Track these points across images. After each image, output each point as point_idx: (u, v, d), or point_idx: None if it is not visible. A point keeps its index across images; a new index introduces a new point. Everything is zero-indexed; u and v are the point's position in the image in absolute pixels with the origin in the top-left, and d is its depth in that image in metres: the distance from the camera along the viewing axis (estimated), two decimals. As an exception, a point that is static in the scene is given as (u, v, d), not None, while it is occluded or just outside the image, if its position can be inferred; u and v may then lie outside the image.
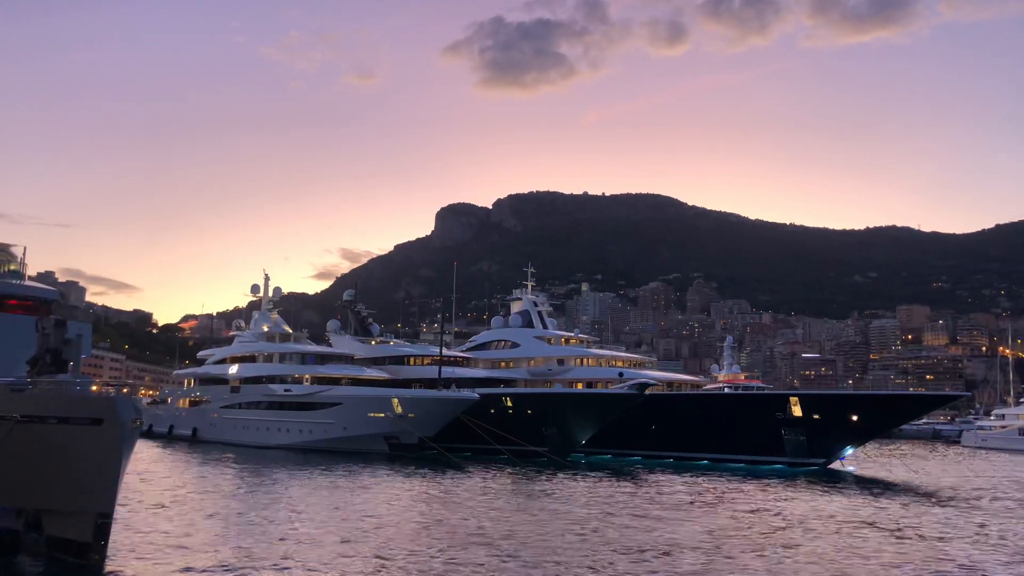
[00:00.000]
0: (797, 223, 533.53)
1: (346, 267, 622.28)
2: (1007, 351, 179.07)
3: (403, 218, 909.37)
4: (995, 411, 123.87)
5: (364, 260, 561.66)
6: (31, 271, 39.12)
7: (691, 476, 51.66)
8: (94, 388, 22.24)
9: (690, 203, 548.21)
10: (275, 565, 20.99)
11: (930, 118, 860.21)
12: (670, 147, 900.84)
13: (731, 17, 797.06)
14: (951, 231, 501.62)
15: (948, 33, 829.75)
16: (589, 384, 74.01)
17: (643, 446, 67.69)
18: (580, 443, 66.66)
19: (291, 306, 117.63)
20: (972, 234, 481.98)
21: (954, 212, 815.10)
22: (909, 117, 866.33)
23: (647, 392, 64.20)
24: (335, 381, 71.84)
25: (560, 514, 32.17)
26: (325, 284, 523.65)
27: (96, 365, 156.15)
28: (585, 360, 78.07)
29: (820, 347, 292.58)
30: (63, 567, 19.76)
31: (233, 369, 79.20)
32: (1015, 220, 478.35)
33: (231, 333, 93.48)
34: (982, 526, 31.25)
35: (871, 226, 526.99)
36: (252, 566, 20.79)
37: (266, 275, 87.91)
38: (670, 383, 79.51)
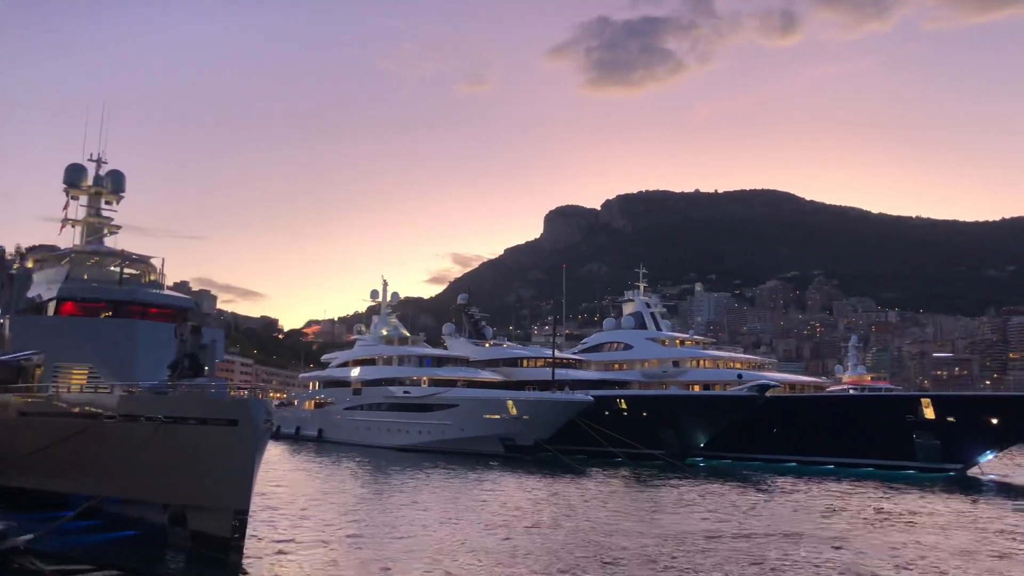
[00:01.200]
0: (924, 215, 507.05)
1: (458, 271, 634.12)
2: None
3: (512, 222, 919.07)
4: None
5: (475, 264, 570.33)
6: (168, 281, 41.64)
7: (819, 481, 49.68)
8: (229, 391, 23.43)
9: (808, 198, 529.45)
10: (399, 562, 21.53)
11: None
12: (785, 141, 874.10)
13: (846, 3, 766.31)
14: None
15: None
16: (706, 386, 72.46)
17: (764, 450, 65.56)
18: (698, 446, 65.36)
19: (407, 310, 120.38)
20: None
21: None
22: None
23: (767, 394, 62.27)
24: (451, 383, 73.09)
25: (682, 519, 31.60)
26: (438, 288, 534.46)
27: (227, 369, 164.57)
28: (701, 362, 76.50)
29: (952, 346, 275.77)
30: (204, 561, 20.86)
31: (355, 372, 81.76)
32: None
33: (352, 337, 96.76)
34: None
35: (1007, 216, 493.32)
36: (378, 562, 21.40)
37: (384, 281, 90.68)
38: (791, 385, 76.84)
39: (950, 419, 58.29)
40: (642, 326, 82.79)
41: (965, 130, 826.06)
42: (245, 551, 21.07)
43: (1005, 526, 31.62)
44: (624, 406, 68.49)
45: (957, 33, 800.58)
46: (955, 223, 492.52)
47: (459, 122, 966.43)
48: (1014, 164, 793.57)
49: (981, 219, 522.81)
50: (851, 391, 77.06)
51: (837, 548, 25.19)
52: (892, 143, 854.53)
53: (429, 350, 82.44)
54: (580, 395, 65.83)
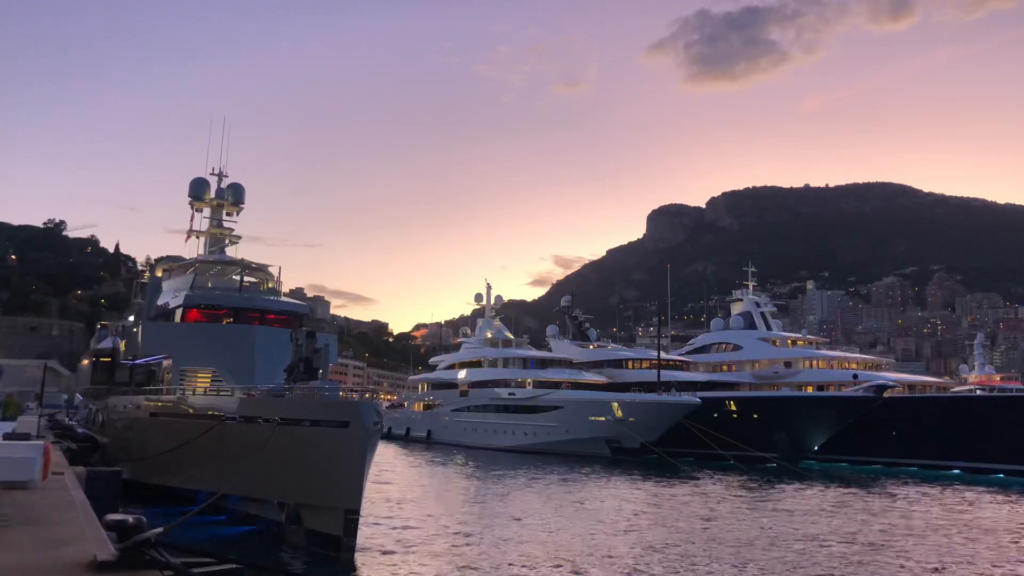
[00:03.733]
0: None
1: (560, 274, 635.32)
2: None
3: (614, 223, 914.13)
4: None
5: (577, 266, 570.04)
6: (284, 288, 43.40)
7: (938, 487, 47.12)
8: (341, 394, 24.21)
9: (926, 190, 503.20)
10: (510, 563, 21.68)
11: None
12: (899, 130, 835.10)
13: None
14: None
15: None
16: (820, 387, 69.88)
17: (883, 453, 62.60)
18: (812, 449, 63.15)
19: (511, 313, 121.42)
20: None
21: None
22: None
23: (885, 395, 59.50)
24: (555, 385, 73.23)
25: (797, 527, 30.59)
26: (541, 291, 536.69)
27: (341, 372, 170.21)
28: (814, 362, 73.85)
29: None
30: (318, 559, 21.57)
31: (461, 374, 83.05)
32: None
33: (458, 340, 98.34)
34: None
35: None
36: (489, 562, 21.63)
37: (488, 284, 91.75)
38: (911, 385, 73.14)
39: (1093, 422, 54.23)
40: (751, 326, 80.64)
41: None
42: (357, 550, 21.67)
43: None
44: (734, 408, 66.86)
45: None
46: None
47: (558, 124, 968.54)
48: None
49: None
50: (978, 391, 72.78)
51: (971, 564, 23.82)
52: (1018, 128, 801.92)
53: (533, 352, 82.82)
54: (687, 397, 64.72)
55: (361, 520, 22.27)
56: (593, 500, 37.01)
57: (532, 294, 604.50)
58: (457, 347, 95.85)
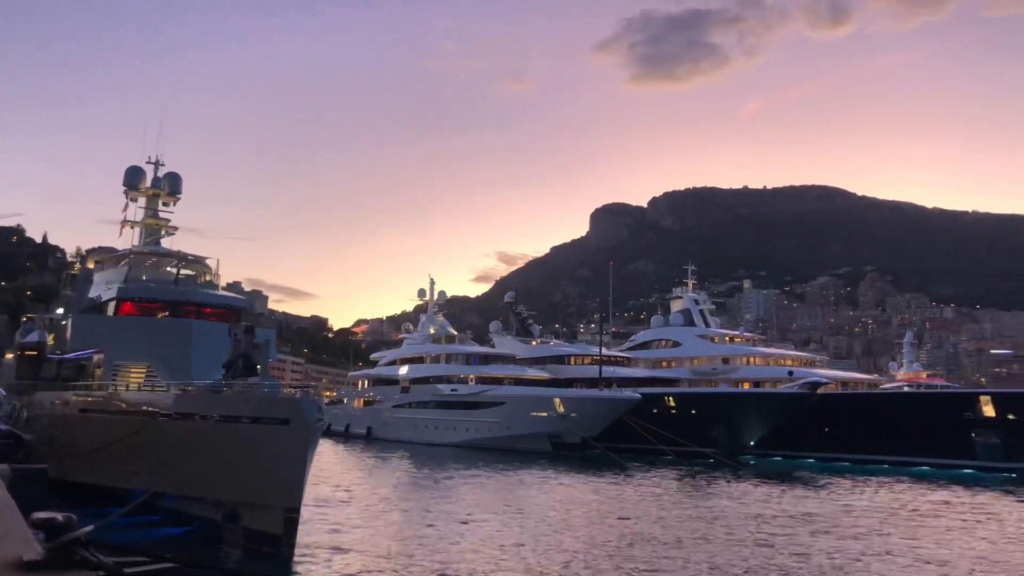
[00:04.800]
0: (981, 210, 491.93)
1: (503, 270, 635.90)
2: None
3: (558, 220, 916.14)
4: None
5: (521, 263, 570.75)
6: (221, 282, 42.41)
7: (876, 480, 48.64)
8: (282, 390, 23.81)
9: (860, 193, 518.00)
10: (448, 560, 21.63)
11: None
12: (836, 135, 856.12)
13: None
14: None
15: None
16: (756, 384, 71.50)
17: (815, 448, 64.39)
18: (749, 444, 64.55)
19: (454, 309, 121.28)
20: None
21: None
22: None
23: (819, 392, 61.16)
24: (498, 381, 73.34)
25: (734, 519, 31.20)
26: (484, 287, 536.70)
27: (279, 368, 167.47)
28: (752, 359, 75.51)
29: (1012, 343, 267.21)
30: (257, 558, 21.18)
31: (403, 370, 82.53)
32: None
33: (400, 336, 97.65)
34: None
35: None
36: (428, 560, 21.53)
37: (431, 280, 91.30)
38: (844, 382, 75.37)
39: (1011, 417, 56.64)
40: (691, 323, 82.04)
41: (1022, 121, 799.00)
42: (296, 548, 21.35)
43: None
44: (673, 404, 67.95)
45: (1018, 19, 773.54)
46: (1014, 216, 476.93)
47: (503, 120, 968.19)
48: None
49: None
50: (906, 388, 75.36)
51: (887, 552, 24.62)
52: (947, 136, 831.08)
53: (476, 348, 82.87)
54: (628, 393, 65.49)
55: (301, 518, 21.95)
56: (534, 496, 37.17)
57: (476, 290, 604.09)
58: (399, 343, 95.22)
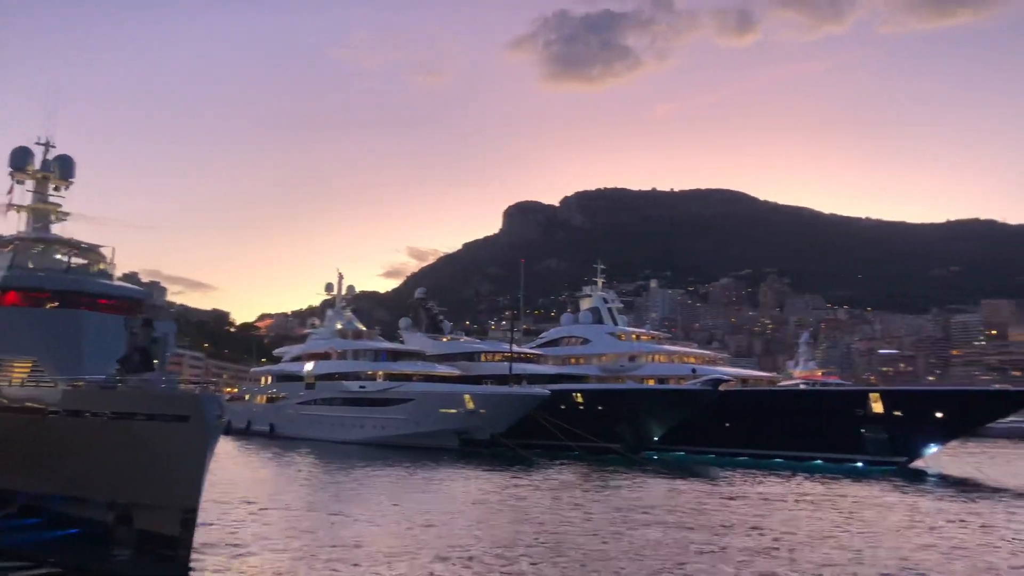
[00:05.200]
0: (873, 217, 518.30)
1: (414, 266, 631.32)
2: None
3: (470, 216, 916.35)
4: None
5: (432, 259, 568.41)
6: (117, 272, 40.37)
7: (768, 474, 50.44)
8: (180, 386, 22.84)
9: (762, 198, 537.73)
10: (350, 560, 21.26)
11: (1015, 106, 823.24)
12: (741, 140, 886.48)
13: (803, 4, 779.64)
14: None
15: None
16: (661, 381, 73.08)
17: (716, 443, 66.34)
18: (653, 440, 65.94)
19: (363, 304, 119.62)
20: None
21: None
22: (992, 105, 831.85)
23: (721, 388, 62.99)
24: (407, 378, 72.72)
25: (632, 512, 31.77)
26: (395, 283, 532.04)
27: (178, 363, 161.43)
28: (657, 357, 77.15)
29: (898, 343, 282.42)
30: (151, 560, 20.32)
31: (308, 366, 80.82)
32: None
33: (306, 331, 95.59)
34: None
35: (952, 219, 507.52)
36: (329, 561, 21.09)
37: (339, 274, 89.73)
38: (744, 380, 77.89)
39: (897, 413, 59.64)
40: (599, 321, 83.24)
41: (915, 134, 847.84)
42: (193, 550, 20.57)
43: (944, 517, 32.42)
44: (581, 400, 68.79)
45: (910, 38, 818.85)
46: (903, 224, 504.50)
47: (416, 114, 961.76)
48: (959, 168, 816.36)
49: (927, 221, 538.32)
50: (802, 386, 78.36)
51: (774, 541, 25.53)
52: (844, 145, 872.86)
53: (385, 344, 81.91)
54: (537, 389, 65.95)
55: (199, 519, 21.15)
56: (441, 493, 36.99)
57: (386, 286, 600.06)
58: (304, 339, 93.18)
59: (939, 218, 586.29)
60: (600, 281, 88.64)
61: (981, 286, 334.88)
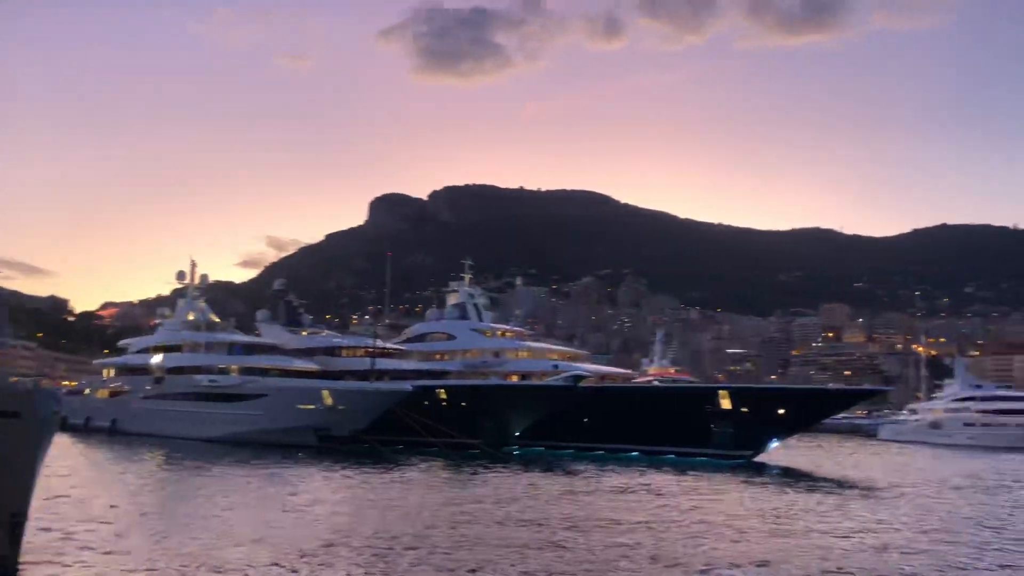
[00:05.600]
0: (725, 223, 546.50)
1: (273, 256, 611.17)
2: (920, 349, 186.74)
3: (335, 207, 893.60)
4: (908, 406, 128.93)
5: (293, 249, 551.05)
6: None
7: (620, 468, 51.98)
8: (11, 379, 20.85)
9: (624, 201, 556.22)
10: (192, 565, 20.12)
11: (856, 124, 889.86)
12: (607, 144, 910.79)
13: (667, 14, 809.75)
14: (871, 234, 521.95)
15: (877, 41, 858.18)
16: (524, 377, 73.97)
17: (575, 439, 67.78)
18: (514, 435, 66.63)
19: (217, 295, 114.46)
20: (891, 237, 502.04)
21: (875, 216, 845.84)
22: (836, 122, 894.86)
23: (581, 384, 64.42)
24: (263, 372, 70.27)
25: (486, 507, 31.85)
26: (252, 273, 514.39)
27: (7, 354, 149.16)
28: (521, 353, 77.99)
29: (745, 343, 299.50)
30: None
31: (157, 359, 76.67)
32: (931, 225, 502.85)
33: (155, 322, 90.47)
34: (892, 516, 32.17)
35: (796, 227, 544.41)
36: (170, 567, 19.88)
37: (192, 262, 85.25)
38: (602, 376, 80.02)
39: (744, 409, 62.93)
40: (465, 317, 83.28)
41: (765, 145, 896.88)
42: (21, 558, 18.83)
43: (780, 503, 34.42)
44: (444, 396, 68.64)
45: (765, 54, 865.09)
46: (752, 231, 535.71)
47: (279, 98, 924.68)
48: (805, 180, 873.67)
49: (774, 228, 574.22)
50: (656, 383, 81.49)
51: (624, 533, 26.29)
52: (701, 153, 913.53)
53: (240, 337, 78.76)
54: (399, 385, 65.23)
55: (28, 524, 19.37)
56: (292, 491, 35.82)
57: (242, 276, 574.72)
58: (153, 330, 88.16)
59: (784, 226, 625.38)
60: (467, 277, 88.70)
61: (821, 291, 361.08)
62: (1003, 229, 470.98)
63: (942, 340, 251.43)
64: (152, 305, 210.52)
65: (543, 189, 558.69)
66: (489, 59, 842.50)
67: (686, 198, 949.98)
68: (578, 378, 64.79)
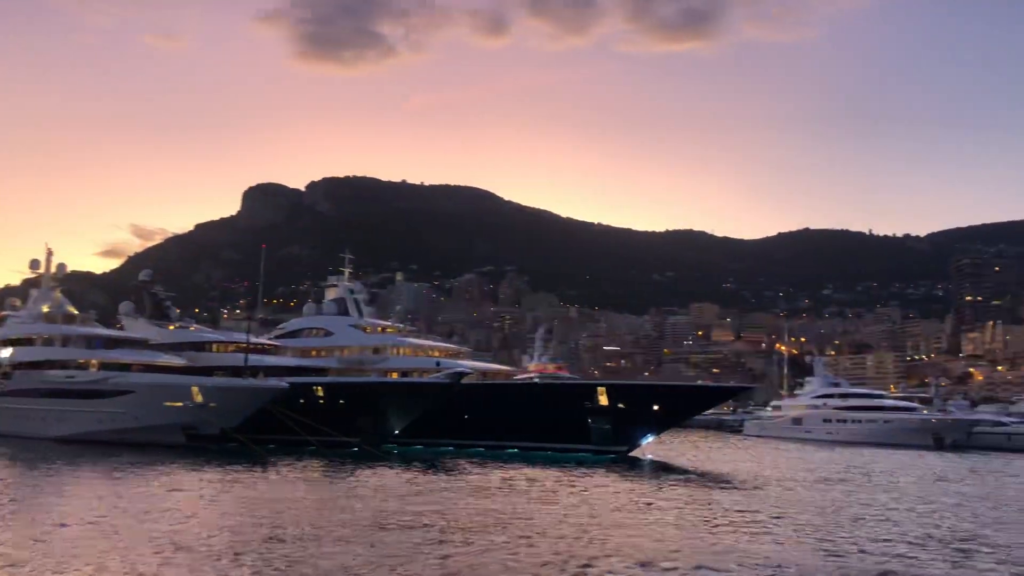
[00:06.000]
0: (604, 223, 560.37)
1: (137, 245, 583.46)
2: (783, 348, 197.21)
3: (205, 196, 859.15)
4: (772, 403, 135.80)
5: (159, 239, 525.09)
6: None
7: (499, 465, 52.00)
8: None
9: (507, 198, 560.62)
10: (50, 571, 18.46)
11: (729, 129, 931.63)
12: (490, 140, 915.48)
13: (552, 14, 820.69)
14: (740, 236, 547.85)
15: (750, 50, 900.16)
16: (405, 373, 72.89)
17: (455, 435, 67.48)
18: (394, 433, 65.67)
19: (76, 285, 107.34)
20: (758, 240, 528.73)
21: (744, 219, 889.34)
22: (711, 127, 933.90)
23: (463, 381, 64.13)
24: (127, 367, 66.32)
25: (360, 505, 31.02)
26: (114, 263, 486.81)
27: None
28: (401, 349, 76.79)
29: (620, 340, 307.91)
30: None
31: (5, 353, 71.13)
32: (795, 229, 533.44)
33: (3, 313, 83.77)
34: (758, 509, 33.51)
35: (670, 229, 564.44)
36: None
37: (48, 249, 79.45)
38: (484, 373, 79.97)
39: (621, 405, 64.25)
40: (344, 312, 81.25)
41: (643, 148, 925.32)
42: None
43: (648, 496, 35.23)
44: (322, 394, 66.85)
45: (646, 58, 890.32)
46: (629, 231, 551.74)
47: (147, 78, 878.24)
48: (678, 182, 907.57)
49: (650, 229, 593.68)
50: (536, 379, 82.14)
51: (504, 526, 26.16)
52: (582, 154, 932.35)
53: (101, 330, 74.10)
54: (274, 382, 63.01)
55: None
56: (154, 492, 33.83)
57: (103, 266, 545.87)
58: (2, 321, 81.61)
59: (660, 227, 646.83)
60: (347, 271, 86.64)
61: (692, 291, 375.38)
62: (860, 234, 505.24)
63: (803, 340, 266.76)
64: (1, 295, 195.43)
65: (426, 183, 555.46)
66: (372, 48, 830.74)
67: (567, 197, 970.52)
68: (460, 375, 64.47)
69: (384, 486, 38.74)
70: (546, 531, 25.85)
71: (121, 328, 79.70)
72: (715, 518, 29.90)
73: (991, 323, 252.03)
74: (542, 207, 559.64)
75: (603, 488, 40.30)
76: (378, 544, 23.11)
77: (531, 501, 34.14)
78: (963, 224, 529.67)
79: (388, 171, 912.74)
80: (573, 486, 40.60)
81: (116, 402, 62.36)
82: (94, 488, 35.70)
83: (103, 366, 65.93)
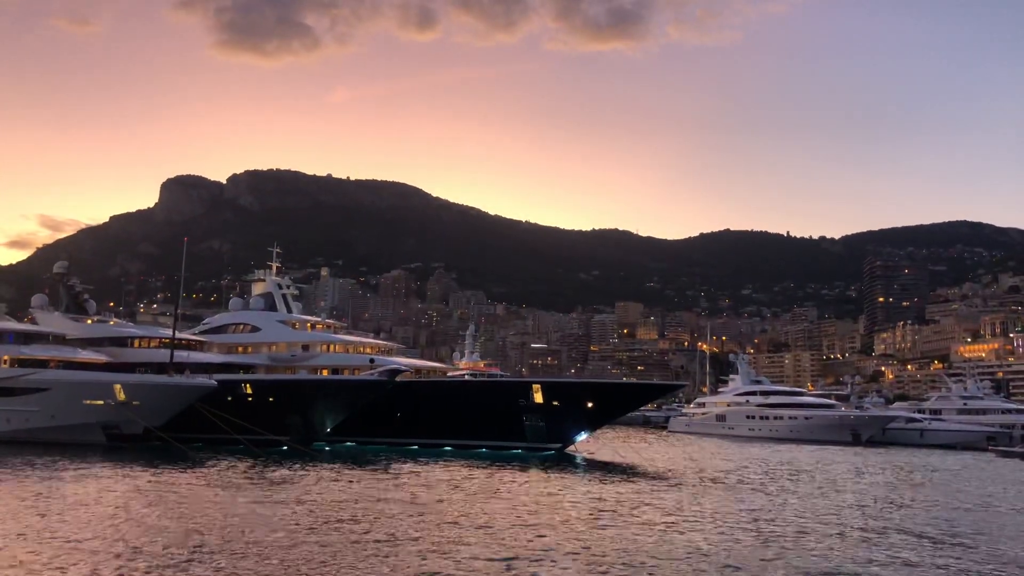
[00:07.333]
0: (531, 221, 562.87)
1: (47, 236, 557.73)
2: (705, 346, 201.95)
3: (121, 186, 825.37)
4: (696, 400, 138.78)
5: (71, 230, 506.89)
6: None
7: (431, 462, 51.68)
8: None
9: (435, 194, 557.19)
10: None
11: (653, 130, 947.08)
12: (418, 136, 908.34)
13: (480, 10, 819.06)
14: (663, 236, 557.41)
15: (674, 52, 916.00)
16: (336, 371, 71.65)
17: (388, 433, 66.83)
18: (325, 431, 64.58)
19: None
20: (680, 240, 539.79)
21: (667, 219, 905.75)
22: (636, 127, 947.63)
23: (397, 379, 63.48)
24: (42, 364, 63.11)
25: (290, 506, 30.39)
26: (22, 255, 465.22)
27: None
28: (332, 346, 75.41)
29: (547, 338, 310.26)
30: None
31: (-95, 349, 66.74)
32: (716, 230, 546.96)
33: (-97, 306, 78.89)
34: (685, 503, 34.22)
35: (596, 228, 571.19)
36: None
37: (-47, 239, 75.13)
38: (417, 370, 79.25)
39: (555, 403, 64.58)
40: (272, 308, 79.22)
41: (569, 146, 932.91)
42: None
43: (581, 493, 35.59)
44: (250, 391, 65.19)
45: (572, 57, 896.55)
46: (556, 230, 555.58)
47: (58, 64, 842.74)
48: (604, 181, 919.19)
49: (576, 228, 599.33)
50: (467, 377, 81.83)
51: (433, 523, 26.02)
52: (510, 151, 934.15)
53: (14, 324, 70.64)
54: (201, 379, 61.11)
55: None
56: (69, 495, 32.41)
57: (10, 257, 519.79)
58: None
59: (586, 226, 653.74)
60: (275, 265, 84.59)
61: (617, 289, 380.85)
62: (778, 236, 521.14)
63: (724, 338, 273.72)
64: None
65: (351, 178, 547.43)
66: (296, 39, 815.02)
67: (495, 195, 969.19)
68: (395, 372, 63.88)
69: (307, 486, 37.98)
70: (474, 529, 25.82)
71: (33, 322, 75.94)
72: (644, 513, 30.44)
73: (901, 323, 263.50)
74: (470, 204, 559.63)
75: (536, 485, 40.36)
76: (294, 547, 22.56)
77: (460, 498, 34.03)
78: (875, 227, 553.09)
79: (312, 165, 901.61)
80: (505, 483, 40.59)
81: (31, 400, 59.52)
82: (12, 490, 33.90)
83: (17, 362, 62.63)
